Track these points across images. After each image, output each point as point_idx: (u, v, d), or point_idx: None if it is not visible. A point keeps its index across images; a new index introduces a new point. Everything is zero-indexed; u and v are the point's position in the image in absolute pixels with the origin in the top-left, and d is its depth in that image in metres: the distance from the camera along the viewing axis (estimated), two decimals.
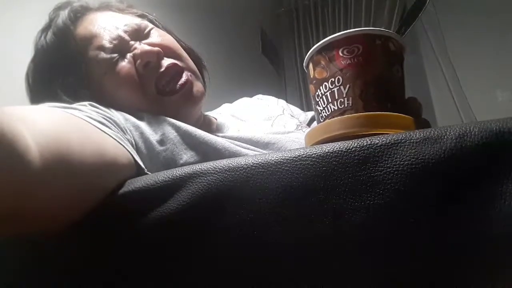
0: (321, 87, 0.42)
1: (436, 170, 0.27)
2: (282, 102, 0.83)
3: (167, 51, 0.61)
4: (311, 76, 0.44)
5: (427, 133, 0.28)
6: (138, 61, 0.58)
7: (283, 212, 0.29)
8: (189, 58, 0.65)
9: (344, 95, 0.40)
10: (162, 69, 0.58)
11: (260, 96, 0.86)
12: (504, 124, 0.26)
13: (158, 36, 0.63)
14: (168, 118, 0.54)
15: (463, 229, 0.26)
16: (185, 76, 0.60)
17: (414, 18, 0.51)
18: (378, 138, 0.29)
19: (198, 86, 0.62)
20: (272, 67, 2.43)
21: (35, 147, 0.28)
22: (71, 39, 0.59)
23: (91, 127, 0.40)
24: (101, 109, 0.48)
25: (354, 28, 0.43)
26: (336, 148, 0.30)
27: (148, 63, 0.58)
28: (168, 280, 0.32)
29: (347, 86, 0.40)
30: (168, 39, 0.64)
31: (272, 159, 0.31)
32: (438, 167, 0.27)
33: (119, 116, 0.50)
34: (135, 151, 0.45)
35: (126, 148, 0.42)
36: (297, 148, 0.32)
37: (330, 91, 0.41)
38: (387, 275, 0.27)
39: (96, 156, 0.36)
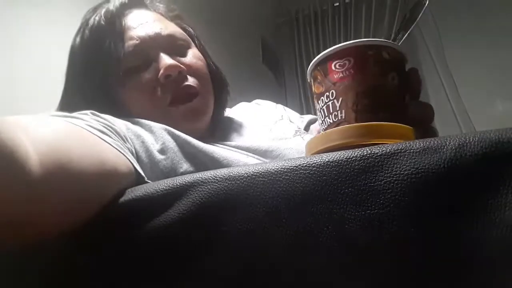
0: (319, 102, 0.44)
1: (436, 180, 0.27)
2: (280, 107, 0.84)
3: (192, 73, 0.63)
4: (313, 91, 0.45)
5: (427, 143, 0.28)
6: (160, 72, 0.60)
7: (282, 221, 0.29)
8: (210, 83, 0.67)
9: (338, 108, 0.41)
10: (179, 86, 0.61)
11: (258, 101, 0.86)
12: (503, 134, 0.27)
13: (192, 57, 0.65)
14: (168, 128, 0.54)
15: (463, 239, 0.26)
16: (195, 95, 0.62)
17: (412, 23, 0.51)
18: (378, 148, 0.29)
19: (204, 109, 0.64)
20: (273, 75, 2.43)
21: (36, 156, 0.28)
22: (118, 22, 0.63)
23: (91, 136, 0.40)
24: (101, 118, 0.48)
25: (354, 38, 0.43)
26: (336, 158, 0.30)
27: (168, 75, 0.60)
28: None
29: (340, 99, 0.41)
30: (198, 64, 0.65)
31: (272, 168, 0.31)
32: (438, 177, 0.27)
33: (120, 124, 0.51)
34: (135, 160, 0.45)
35: (126, 157, 0.42)
36: (297, 158, 0.32)
37: (326, 105, 0.42)
38: (387, 284, 0.27)
39: (96, 164, 0.36)
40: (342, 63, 0.41)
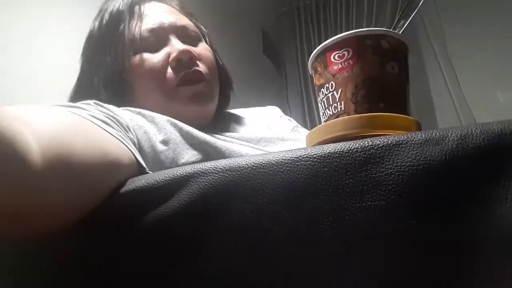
0: (320, 94, 0.44)
1: (438, 172, 0.27)
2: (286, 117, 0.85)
3: (202, 61, 0.66)
4: (314, 83, 0.45)
5: (429, 135, 0.28)
6: (173, 55, 0.63)
7: (283, 213, 0.29)
8: (217, 74, 0.70)
9: (337, 100, 0.41)
10: (189, 70, 0.63)
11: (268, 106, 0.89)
12: (505, 126, 0.26)
13: (202, 48, 0.69)
14: (171, 119, 0.55)
15: (464, 231, 0.26)
16: (203, 80, 0.64)
17: (413, 11, 0.51)
18: (380, 139, 0.29)
19: (211, 95, 0.66)
20: (274, 66, 2.42)
21: (37, 147, 0.28)
22: (137, 8, 0.66)
23: (94, 126, 0.40)
24: (105, 108, 0.48)
25: (355, 27, 0.43)
26: (337, 149, 0.30)
27: (180, 60, 0.62)
28: (169, 280, 0.32)
29: (339, 91, 0.41)
30: (208, 55, 0.69)
31: (273, 159, 0.31)
32: (440, 169, 0.27)
33: (123, 114, 0.51)
34: (137, 150, 0.45)
35: (128, 147, 0.42)
36: (298, 148, 0.32)
37: (326, 97, 0.42)
38: (387, 276, 0.27)
39: (99, 155, 0.36)
40: (341, 54, 0.41)
